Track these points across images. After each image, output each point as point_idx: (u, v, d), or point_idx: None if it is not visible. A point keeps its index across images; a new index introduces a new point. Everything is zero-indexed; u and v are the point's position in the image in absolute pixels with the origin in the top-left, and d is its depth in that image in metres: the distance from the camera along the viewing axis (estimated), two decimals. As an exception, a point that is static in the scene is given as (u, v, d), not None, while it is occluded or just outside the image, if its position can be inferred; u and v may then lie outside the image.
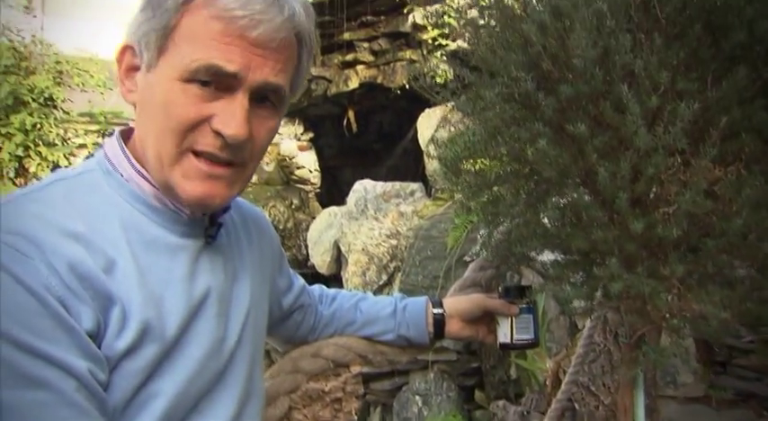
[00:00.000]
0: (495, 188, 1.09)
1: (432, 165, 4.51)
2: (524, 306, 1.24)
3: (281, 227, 6.00)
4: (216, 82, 0.80)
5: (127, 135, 0.91)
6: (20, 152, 5.76)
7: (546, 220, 1.03)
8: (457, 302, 1.31)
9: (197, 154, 0.83)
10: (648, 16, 0.89)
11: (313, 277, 4.45)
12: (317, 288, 1.34)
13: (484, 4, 1.06)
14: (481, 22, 1.00)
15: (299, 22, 0.84)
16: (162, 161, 0.83)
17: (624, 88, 0.82)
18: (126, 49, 0.87)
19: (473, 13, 1.11)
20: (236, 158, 0.84)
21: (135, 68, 0.87)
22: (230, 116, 0.80)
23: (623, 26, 0.86)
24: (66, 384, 0.70)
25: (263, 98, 0.85)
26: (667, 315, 0.97)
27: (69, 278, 0.73)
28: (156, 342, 0.80)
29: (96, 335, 0.75)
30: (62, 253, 0.73)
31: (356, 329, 1.29)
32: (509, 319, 1.24)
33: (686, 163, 0.91)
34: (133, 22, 0.85)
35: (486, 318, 1.30)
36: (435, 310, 1.30)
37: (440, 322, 1.30)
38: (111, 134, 0.94)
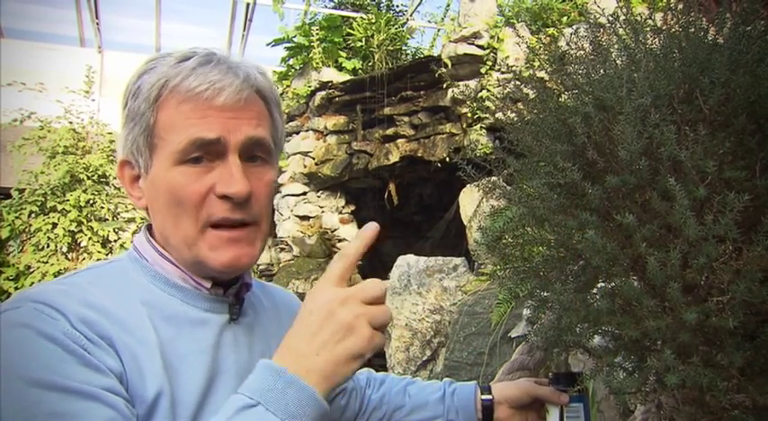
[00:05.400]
0: (542, 273, 1.09)
1: (474, 240, 4.50)
2: (575, 394, 1.21)
3: (322, 300, 5.97)
4: (205, 154, 0.88)
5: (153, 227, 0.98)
6: (73, 227, 5.97)
7: (596, 306, 1.02)
8: (506, 388, 1.29)
9: (215, 226, 0.90)
10: (692, 108, 0.90)
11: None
12: (365, 371, 1.34)
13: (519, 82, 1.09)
14: (525, 112, 1.03)
15: (255, 81, 0.93)
16: (187, 242, 0.90)
17: (671, 180, 0.83)
18: (123, 165, 0.96)
19: (509, 86, 1.13)
20: (248, 217, 0.91)
21: (136, 178, 0.96)
22: (228, 177, 0.88)
23: (667, 118, 0.87)
24: (103, 413, 0.72)
25: (252, 156, 0.92)
26: (728, 406, 0.93)
27: (89, 333, 0.77)
28: (171, 413, 0.81)
29: (122, 382, 0.77)
30: (80, 315, 0.78)
31: (405, 414, 1.28)
32: (559, 408, 1.21)
33: (738, 250, 0.90)
34: (121, 140, 0.95)
35: (536, 406, 1.28)
36: (484, 397, 1.28)
37: (489, 409, 1.27)
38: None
